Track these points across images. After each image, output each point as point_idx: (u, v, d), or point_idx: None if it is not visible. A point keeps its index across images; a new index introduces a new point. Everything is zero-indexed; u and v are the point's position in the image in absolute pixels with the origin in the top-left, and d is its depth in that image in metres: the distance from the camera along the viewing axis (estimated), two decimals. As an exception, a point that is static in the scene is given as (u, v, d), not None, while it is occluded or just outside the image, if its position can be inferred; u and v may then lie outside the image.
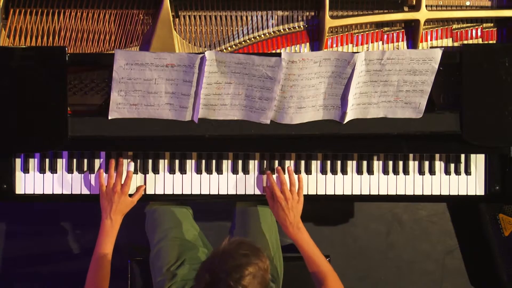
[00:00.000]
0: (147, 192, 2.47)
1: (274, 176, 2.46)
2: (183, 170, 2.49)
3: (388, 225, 3.38)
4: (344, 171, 2.51)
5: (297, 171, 2.48)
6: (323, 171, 2.51)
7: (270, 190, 2.45)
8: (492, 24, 2.49)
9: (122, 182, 2.41)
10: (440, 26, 2.48)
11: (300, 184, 2.45)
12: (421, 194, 2.53)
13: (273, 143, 2.41)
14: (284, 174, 2.46)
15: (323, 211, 3.33)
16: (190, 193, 2.50)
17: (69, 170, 2.47)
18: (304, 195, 2.45)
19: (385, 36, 2.47)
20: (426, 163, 2.52)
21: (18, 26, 2.40)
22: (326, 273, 2.35)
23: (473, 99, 2.37)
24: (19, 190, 2.46)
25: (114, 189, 2.39)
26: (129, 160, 2.47)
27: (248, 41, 2.44)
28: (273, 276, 2.46)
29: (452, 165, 2.53)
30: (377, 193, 2.53)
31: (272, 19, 2.45)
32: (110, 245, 2.39)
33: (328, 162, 2.51)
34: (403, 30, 2.47)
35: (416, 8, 2.42)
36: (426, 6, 2.41)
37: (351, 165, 2.52)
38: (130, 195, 2.43)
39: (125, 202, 2.40)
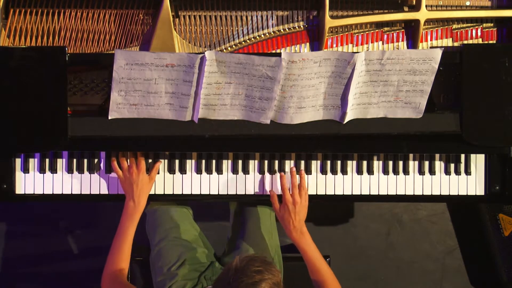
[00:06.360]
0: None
1: (284, 178, 2.44)
2: (183, 170, 2.49)
3: (388, 225, 3.38)
4: (344, 171, 2.51)
5: (297, 171, 2.48)
6: (323, 171, 2.51)
7: (276, 192, 2.44)
8: (492, 24, 2.49)
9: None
10: (440, 26, 2.48)
11: (306, 188, 2.44)
12: (421, 194, 2.53)
13: (273, 143, 2.41)
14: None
15: (323, 211, 3.33)
16: (190, 193, 2.50)
17: (69, 170, 2.47)
18: (305, 196, 2.45)
19: (385, 36, 2.47)
20: (426, 163, 2.52)
21: (18, 26, 2.40)
22: (327, 278, 2.35)
23: (473, 99, 2.37)
24: (19, 190, 2.46)
25: (130, 170, 2.39)
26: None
27: (248, 41, 2.44)
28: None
29: (452, 165, 2.53)
30: (377, 193, 2.53)
31: (272, 19, 2.45)
32: (132, 228, 2.38)
33: (328, 162, 2.51)
34: (403, 30, 2.47)
35: (416, 8, 2.42)
36: (426, 6, 2.41)
37: (351, 165, 2.52)
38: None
39: (145, 180, 2.39)
